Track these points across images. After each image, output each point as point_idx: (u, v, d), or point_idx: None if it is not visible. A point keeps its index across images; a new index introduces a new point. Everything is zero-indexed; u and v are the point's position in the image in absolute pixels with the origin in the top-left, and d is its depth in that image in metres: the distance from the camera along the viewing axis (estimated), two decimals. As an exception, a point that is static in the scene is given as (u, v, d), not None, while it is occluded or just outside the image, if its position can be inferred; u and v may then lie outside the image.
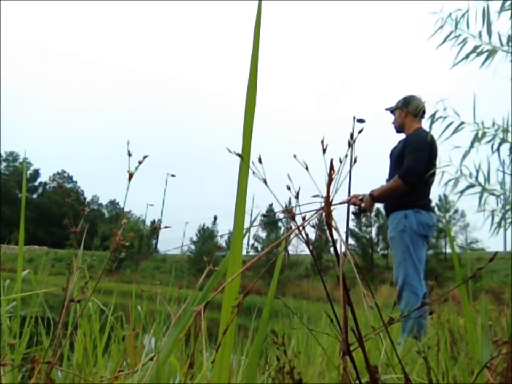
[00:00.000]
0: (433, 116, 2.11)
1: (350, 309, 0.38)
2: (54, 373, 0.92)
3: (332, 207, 0.39)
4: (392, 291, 3.38)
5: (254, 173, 0.43)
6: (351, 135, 0.42)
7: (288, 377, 0.81)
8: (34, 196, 56.27)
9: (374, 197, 2.86)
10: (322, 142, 0.41)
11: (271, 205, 28.98)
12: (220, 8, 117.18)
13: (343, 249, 0.39)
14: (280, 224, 29.33)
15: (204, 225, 33.40)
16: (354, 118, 24.40)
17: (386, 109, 3.18)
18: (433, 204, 2.94)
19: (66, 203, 0.80)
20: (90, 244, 34.86)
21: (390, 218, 2.88)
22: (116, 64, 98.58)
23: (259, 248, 31.12)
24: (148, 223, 40.16)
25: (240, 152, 0.47)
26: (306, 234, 0.42)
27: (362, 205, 2.90)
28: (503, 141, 1.94)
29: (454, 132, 2.04)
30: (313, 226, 0.42)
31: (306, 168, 0.42)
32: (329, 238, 0.39)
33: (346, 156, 0.41)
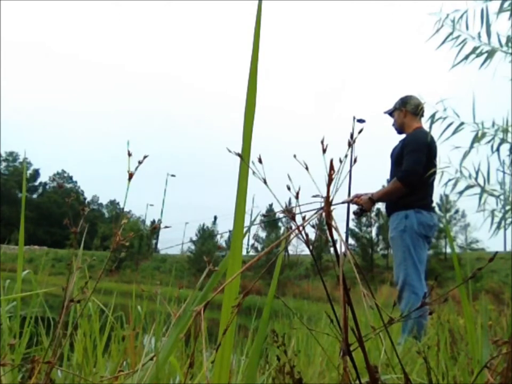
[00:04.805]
0: (433, 116, 2.11)
1: (350, 309, 0.38)
2: (54, 373, 0.92)
3: (331, 207, 0.39)
4: (392, 291, 3.38)
5: (254, 173, 0.43)
6: (351, 135, 0.42)
7: (288, 377, 0.81)
8: (34, 196, 56.28)
9: (374, 200, 2.87)
10: (322, 142, 0.41)
11: (271, 205, 28.97)
12: (220, 8, 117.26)
13: (343, 249, 0.39)
14: (280, 224, 29.35)
15: (203, 225, 33.40)
16: (354, 118, 24.43)
17: (385, 112, 3.20)
18: (434, 204, 2.94)
19: (66, 203, 0.80)
20: (90, 244, 34.82)
21: (390, 219, 2.88)
22: (116, 64, 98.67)
23: (259, 248, 31.09)
24: (148, 223, 40.15)
25: (240, 152, 0.47)
26: (306, 234, 0.42)
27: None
28: (503, 141, 1.94)
29: (454, 132, 2.05)
30: (313, 226, 0.42)
31: (306, 168, 0.42)
32: (329, 238, 0.39)
33: (346, 156, 0.41)
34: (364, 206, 2.88)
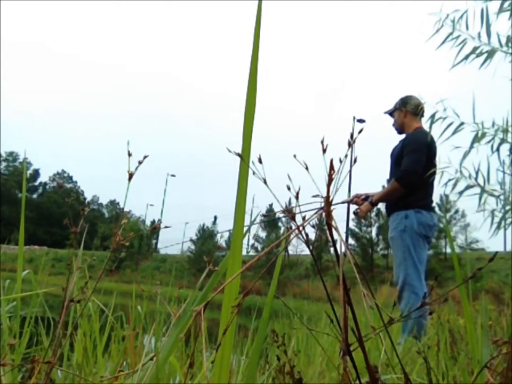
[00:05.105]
0: (433, 116, 2.11)
1: (350, 309, 0.38)
2: (54, 373, 0.92)
3: (331, 207, 0.39)
4: (392, 291, 3.38)
5: (254, 173, 0.43)
6: (351, 135, 0.42)
7: (288, 377, 0.81)
8: (34, 196, 56.29)
9: (374, 203, 2.88)
10: (322, 142, 0.41)
11: (271, 205, 28.98)
12: (220, 8, 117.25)
13: (343, 249, 0.39)
14: (280, 224, 29.36)
15: (203, 225, 33.40)
16: (354, 118, 24.44)
17: (385, 112, 3.20)
18: (434, 204, 2.94)
19: (66, 203, 0.80)
20: (90, 244, 34.83)
21: (390, 219, 2.88)
22: (116, 64, 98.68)
23: (259, 248, 31.10)
24: (148, 223, 40.14)
25: (240, 152, 0.47)
26: (306, 234, 0.42)
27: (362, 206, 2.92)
28: (503, 141, 1.95)
29: (454, 132, 2.05)
30: (313, 226, 0.42)
31: (306, 168, 0.42)
32: (329, 238, 0.39)
33: (346, 156, 0.41)
34: (361, 211, 2.88)
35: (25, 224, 0.91)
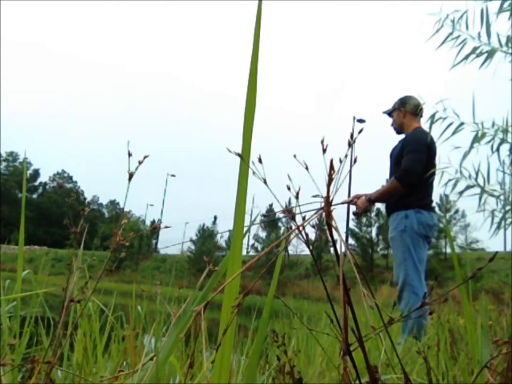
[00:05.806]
0: (433, 116, 2.11)
1: (350, 309, 0.38)
2: (54, 373, 0.92)
3: (331, 207, 0.39)
4: (392, 291, 3.38)
5: (254, 173, 0.43)
6: (351, 135, 0.42)
7: (288, 377, 0.81)
8: (34, 196, 56.29)
9: (372, 200, 2.87)
10: (322, 142, 0.41)
11: (271, 205, 28.98)
12: (220, 8, 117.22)
13: (343, 249, 0.39)
14: (280, 224, 29.37)
15: (203, 225, 33.39)
16: (354, 118, 24.43)
17: (384, 112, 3.20)
18: (434, 204, 2.94)
19: (66, 203, 0.80)
20: (90, 244, 34.84)
21: (390, 219, 2.88)
22: (116, 64, 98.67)
23: (259, 248, 31.10)
24: (148, 223, 40.12)
25: (240, 152, 0.47)
26: (306, 234, 0.42)
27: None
28: (503, 141, 1.95)
29: (454, 132, 2.05)
30: (313, 226, 0.42)
31: (306, 168, 0.42)
32: (329, 238, 0.39)
33: (346, 156, 0.41)
34: (359, 207, 2.87)
35: (25, 224, 0.91)
